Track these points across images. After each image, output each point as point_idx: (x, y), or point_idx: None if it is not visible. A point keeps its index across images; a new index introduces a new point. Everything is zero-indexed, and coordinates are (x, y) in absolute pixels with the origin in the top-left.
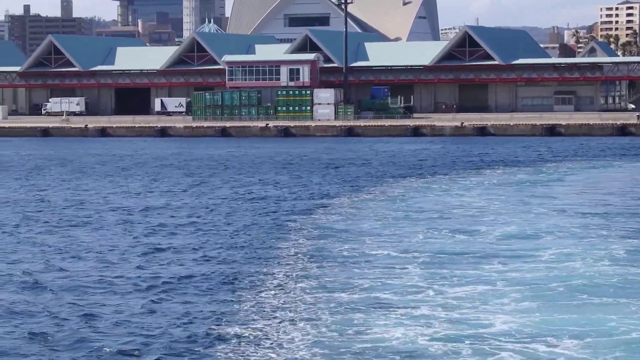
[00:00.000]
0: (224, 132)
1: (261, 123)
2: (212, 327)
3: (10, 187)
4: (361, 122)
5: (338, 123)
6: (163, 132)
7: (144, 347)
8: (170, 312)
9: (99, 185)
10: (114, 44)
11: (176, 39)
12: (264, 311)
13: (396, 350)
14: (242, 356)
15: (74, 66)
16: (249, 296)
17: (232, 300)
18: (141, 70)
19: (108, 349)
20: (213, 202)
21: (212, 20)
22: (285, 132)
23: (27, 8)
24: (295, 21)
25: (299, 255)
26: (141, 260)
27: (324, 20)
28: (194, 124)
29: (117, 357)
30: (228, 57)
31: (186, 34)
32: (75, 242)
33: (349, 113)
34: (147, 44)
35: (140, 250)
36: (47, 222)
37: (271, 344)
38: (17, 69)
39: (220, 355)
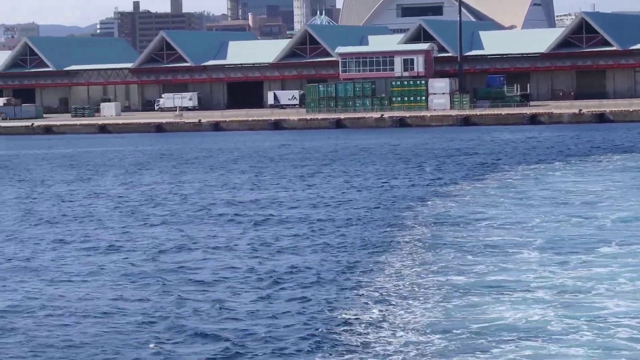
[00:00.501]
0: (338, 124)
1: (376, 114)
2: (330, 312)
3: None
4: (477, 111)
5: (454, 112)
6: (277, 125)
7: (267, 334)
8: (289, 300)
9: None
10: (225, 38)
11: (287, 32)
12: (380, 296)
13: (512, 330)
14: (360, 339)
15: (185, 61)
16: (365, 282)
17: (349, 287)
18: (253, 63)
19: (234, 337)
20: (328, 191)
21: (323, 12)
22: (401, 123)
23: (136, 5)
24: (408, 11)
25: (415, 242)
26: (255, 250)
27: (437, 9)
28: (308, 117)
29: (245, 344)
30: (341, 49)
31: (297, 26)
32: (185, 235)
33: (464, 102)
34: (258, 38)
35: (254, 239)
36: (159, 215)
37: (388, 327)
38: (129, 65)
39: (339, 339)
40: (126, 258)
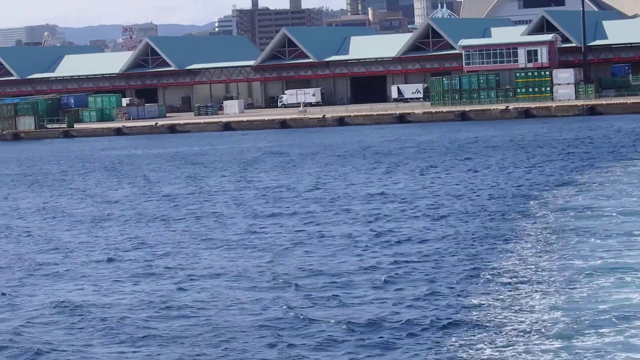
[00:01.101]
0: (463, 116)
1: (501, 105)
2: (460, 295)
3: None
4: (603, 101)
5: (579, 102)
6: (401, 119)
7: (396, 316)
8: (416, 285)
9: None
10: (346, 34)
11: (408, 26)
12: (506, 280)
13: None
14: (488, 321)
15: (308, 57)
16: (491, 267)
17: (475, 274)
18: (376, 58)
19: (372, 319)
20: (450, 182)
21: (444, 5)
22: (526, 114)
23: (255, 2)
24: (530, 2)
25: (541, 229)
26: (381, 241)
27: (559, 0)
28: (433, 109)
29: (379, 327)
30: (464, 42)
31: (417, 20)
32: (316, 227)
33: (589, 92)
34: (379, 32)
35: (381, 230)
36: (288, 207)
37: (515, 309)
38: (251, 63)
39: (468, 320)
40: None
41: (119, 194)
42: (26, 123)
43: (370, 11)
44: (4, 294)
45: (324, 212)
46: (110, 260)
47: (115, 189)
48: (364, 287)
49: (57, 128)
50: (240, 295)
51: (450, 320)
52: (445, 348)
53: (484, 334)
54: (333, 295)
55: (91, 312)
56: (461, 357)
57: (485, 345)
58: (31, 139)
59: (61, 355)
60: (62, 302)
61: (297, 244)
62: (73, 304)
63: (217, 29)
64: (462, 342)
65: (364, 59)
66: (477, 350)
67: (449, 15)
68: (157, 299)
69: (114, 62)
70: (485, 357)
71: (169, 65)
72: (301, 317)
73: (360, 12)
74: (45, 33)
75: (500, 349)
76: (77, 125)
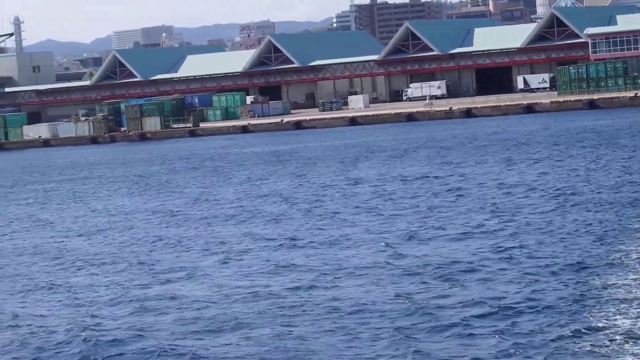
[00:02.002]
0: (591, 105)
1: (630, 93)
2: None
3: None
4: None
5: None
6: (529, 109)
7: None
8: (537, 289)
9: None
10: (469, 26)
11: (531, 16)
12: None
13: None
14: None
15: (431, 50)
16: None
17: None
18: (501, 49)
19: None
20: (575, 175)
21: None
22: None
23: None
24: None
25: None
26: (511, 233)
27: None
28: (560, 99)
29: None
30: (590, 30)
31: (539, 9)
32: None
33: None
34: (501, 23)
35: (504, 223)
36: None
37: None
38: (374, 57)
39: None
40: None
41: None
42: (152, 123)
43: (491, 2)
44: (132, 293)
45: (450, 204)
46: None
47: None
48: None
49: (183, 127)
50: (389, 290)
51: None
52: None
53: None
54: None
55: (217, 309)
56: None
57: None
58: (157, 139)
59: (196, 351)
60: (189, 300)
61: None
62: (197, 300)
63: (335, 25)
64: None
65: (489, 50)
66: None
67: (572, 4)
68: (294, 296)
69: (235, 61)
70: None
71: (291, 62)
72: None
73: (480, 4)
74: (163, 34)
75: None
76: (202, 124)
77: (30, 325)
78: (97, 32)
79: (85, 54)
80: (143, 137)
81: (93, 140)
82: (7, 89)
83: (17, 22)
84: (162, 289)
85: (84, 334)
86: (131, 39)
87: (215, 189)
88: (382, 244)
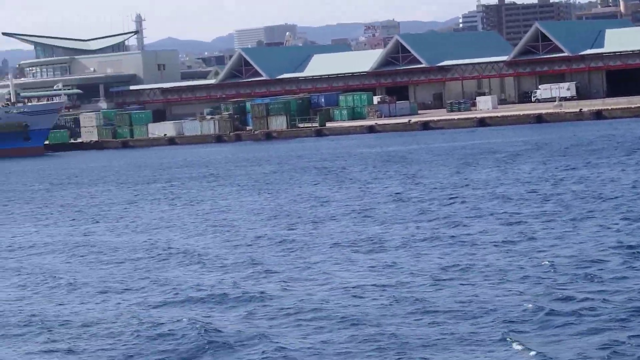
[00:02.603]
0: None
1: None
2: None
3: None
4: None
5: None
6: None
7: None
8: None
9: None
10: (600, 27)
11: None
12: None
13: None
14: None
15: (561, 52)
16: None
17: None
18: (633, 50)
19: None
20: None
21: None
22: None
23: None
24: None
25: None
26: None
27: None
28: None
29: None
30: None
31: None
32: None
33: None
34: (632, 24)
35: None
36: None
37: None
38: (503, 58)
39: None
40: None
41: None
42: (278, 122)
43: (621, 3)
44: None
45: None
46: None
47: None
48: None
49: (309, 127)
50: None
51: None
52: None
53: None
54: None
55: (340, 312)
56: None
57: None
58: (283, 138)
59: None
60: (306, 299)
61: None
62: (321, 300)
63: (461, 25)
64: None
65: (621, 51)
66: None
67: None
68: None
69: (362, 61)
70: None
71: (419, 63)
72: None
73: (611, 4)
74: (287, 33)
75: None
76: (328, 124)
77: (146, 321)
78: (218, 31)
79: (206, 52)
80: (269, 136)
81: (218, 139)
82: (132, 87)
83: (139, 20)
84: (279, 288)
85: (199, 330)
86: (253, 38)
87: (328, 189)
88: (505, 244)
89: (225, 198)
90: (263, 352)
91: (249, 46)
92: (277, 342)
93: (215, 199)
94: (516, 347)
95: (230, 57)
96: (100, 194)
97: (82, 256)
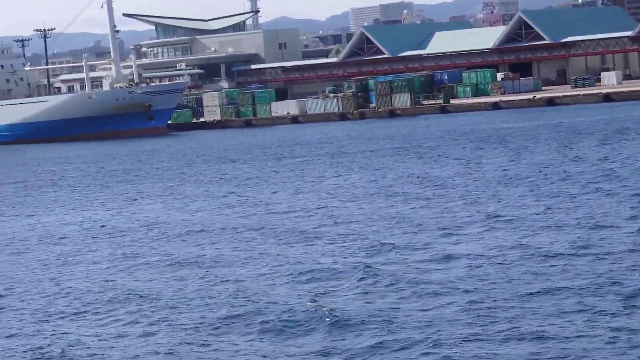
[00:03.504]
0: None
1: None
2: None
3: None
4: None
5: None
6: None
7: None
8: None
9: None
10: None
11: None
12: None
13: None
14: None
15: None
16: None
17: None
18: None
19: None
20: None
21: None
22: None
23: None
24: None
25: None
26: None
27: None
28: None
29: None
30: None
31: None
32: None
33: None
34: None
35: None
36: None
37: None
38: (627, 33)
39: None
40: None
41: None
42: (402, 100)
43: None
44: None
45: None
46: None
47: None
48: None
49: (433, 104)
50: None
51: None
52: None
53: None
54: None
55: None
56: None
57: None
58: (407, 116)
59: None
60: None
61: None
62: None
63: (579, 0)
64: None
65: None
66: None
67: None
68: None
69: (483, 38)
70: None
71: (542, 39)
72: None
73: None
74: (405, 11)
75: None
76: (452, 101)
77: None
78: (332, 9)
79: (320, 31)
80: (393, 114)
81: (342, 117)
82: (253, 66)
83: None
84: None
85: (316, 307)
86: (369, 16)
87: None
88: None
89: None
90: (381, 329)
91: (365, 24)
92: (395, 319)
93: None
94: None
95: (347, 35)
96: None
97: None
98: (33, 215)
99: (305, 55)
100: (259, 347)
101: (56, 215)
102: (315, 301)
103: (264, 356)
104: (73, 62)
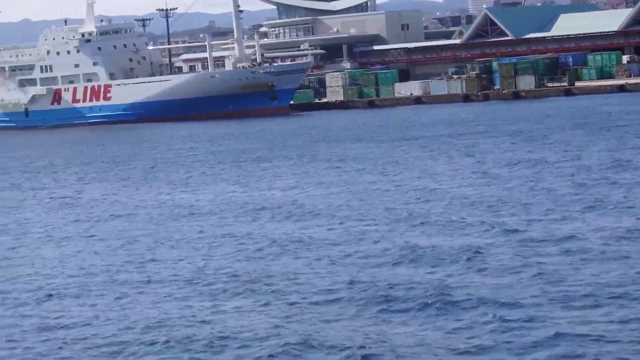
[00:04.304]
0: None
1: None
2: None
3: None
4: None
5: None
6: None
7: None
8: None
9: None
10: None
11: None
12: None
13: None
14: None
15: None
16: None
17: None
18: None
19: None
20: None
21: None
22: None
23: None
24: None
25: None
26: None
27: None
28: None
29: None
30: None
31: None
32: None
33: None
34: None
35: None
36: None
37: None
38: None
39: None
40: None
41: None
42: (526, 82)
43: None
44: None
45: None
46: None
47: None
48: None
49: (558, 86)
50: None
51: None
52: None
53: None
54: None
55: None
56: None
57: None
58: (531, 98)
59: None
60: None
61: None
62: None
63: None
64: None
65: None
66: None
67: None
68: None
69: (608, 20)
70: None
71: None
72: None
73: None
74: None
75: None
76: (577, 83)
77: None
78: None
79: (437, 12)
80: (516, 96)
81: (466, 98)
82: (375, 47)
83: None
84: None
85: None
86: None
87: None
88: None
89: None
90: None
91: (484, 6)
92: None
93: None
94: None
95: (466, 17)
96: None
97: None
98: (183, 191)
99: (428, 37)
100: (383, 327)
101: (203, 190)
102: (434, 282)
103: (396, 333)
104: (189, 42)
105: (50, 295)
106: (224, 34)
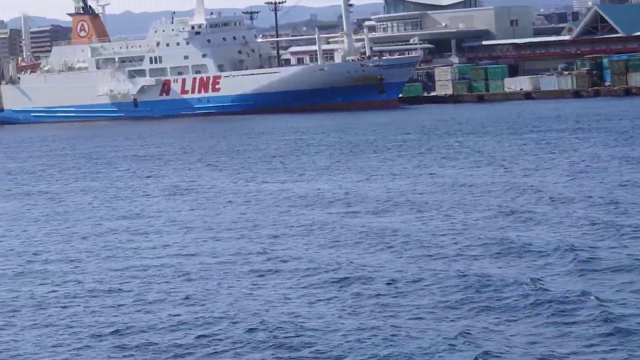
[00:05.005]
0: None
1: None
2: None
3: None
4: None
5: None
6: None
7: None
8: None
9: None
10: None
11: None
12: None
13: None
14: None
15: None
16: None
17: None
18: None
19: None
20: None
21: None
22: None
23: None
24: None
25: None
26: None
27: None
28: None
29: None
30: None
31: None
32: None
33: None
34: None
35: None
36: None
37: None
38: None
39: None
40: None
41: None
42: (638, 79)
43: None
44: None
45: None
46: None
47: None
48: None
49: None
50: None
51: None
52: None
53: None
54: None
55: None
56: None
57: None
58: None
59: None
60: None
61: None
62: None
63: None
64: None
65: None
66: None
67: None
68: None
69: None
70: None
71: None
72: None
73: None
74: None
75: None
76: None
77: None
78: None
79: (542, 9)
80: (628, 92)
81: (576, 94)
82: (484, 42)
83: None
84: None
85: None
86: None
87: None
88: None
89: None
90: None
91: (590, 2)
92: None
93: None
94: None
95: (572, 14)
96: None
97: None
98: (295, 181)
99: (536, 33)
100: (473, 323)
101: (325, 180)
102: (529, 280)
103: (491, 330)
104: (292, 35)
105: (190, 277)
106: (326, 27)
